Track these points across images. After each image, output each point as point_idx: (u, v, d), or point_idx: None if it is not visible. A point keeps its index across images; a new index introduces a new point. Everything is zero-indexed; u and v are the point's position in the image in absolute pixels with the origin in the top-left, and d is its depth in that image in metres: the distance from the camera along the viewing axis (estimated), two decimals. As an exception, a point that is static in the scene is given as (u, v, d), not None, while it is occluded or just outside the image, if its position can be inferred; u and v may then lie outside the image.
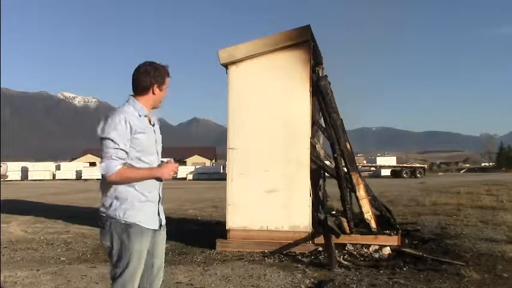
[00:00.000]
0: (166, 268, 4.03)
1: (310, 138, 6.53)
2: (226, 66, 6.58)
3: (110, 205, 2.48)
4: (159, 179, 2.55)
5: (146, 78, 2.52)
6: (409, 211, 10.77)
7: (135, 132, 2.43)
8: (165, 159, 2.58)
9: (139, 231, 2.47)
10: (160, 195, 2.60)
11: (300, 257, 5.89)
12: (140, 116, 2.51)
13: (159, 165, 2.55)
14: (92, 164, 51.84)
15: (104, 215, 2.50)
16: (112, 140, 2.38)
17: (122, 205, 2.46)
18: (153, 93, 2.55)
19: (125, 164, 2.42)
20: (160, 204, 2.61)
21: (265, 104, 6.54)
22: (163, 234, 2.67)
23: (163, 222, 2.64)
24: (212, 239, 6.60)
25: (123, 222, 2.45)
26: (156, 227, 2.56)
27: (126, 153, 2.42)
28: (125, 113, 2.46)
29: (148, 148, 2.51)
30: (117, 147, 2.38)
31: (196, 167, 46.36)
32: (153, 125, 2.60)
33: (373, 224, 6.46)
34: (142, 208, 2.50)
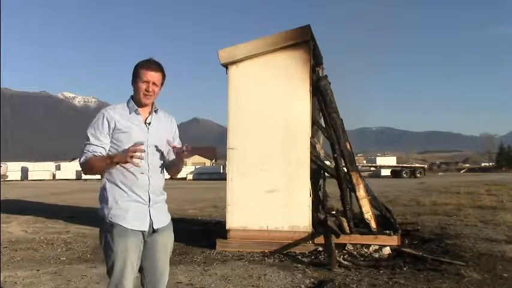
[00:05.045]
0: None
1: (310, 138, 6.53)
2: (226, 66, 6.57)
3: (100, 204, 2.52)
4: (146, 180, 2.48)
5: None
6: (409, 211, 10.78)
7: (114, 129, 2.47)
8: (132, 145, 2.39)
9: (122, 232, 2.42)
10: (151, 197, 2.50)
11: (300, 257, 5.89)
12: (131, 113, 2.51)
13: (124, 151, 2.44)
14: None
15: (99, 214, 2.52)
16: (88, 136, 2.48)
17: (107, 204, 2.47)
18: (133, 88, 2.55)
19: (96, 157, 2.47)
20: (154, 206, 2.51)
21: (265, 104, 6.54)
22: (164, 238, 2.56)
23: (161, 225, 2.53)
24: (212, 239, 6.60)
25: (107, 221, 2.45)
26: (144, 228, 2.47)
27: (101, 148, 2.47)
28: (108, 110, 2.53)
29: (130, 145, 2.43)
30: (89, 142, 2.47)
31: (196, 167, 46.35)
32: (149, 124, 2.54)
33: (373, 224, 6.46)
34: (126, 208, 2.44)
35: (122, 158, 2.38)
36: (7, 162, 45.39)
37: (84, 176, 41.43)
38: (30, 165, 45.87)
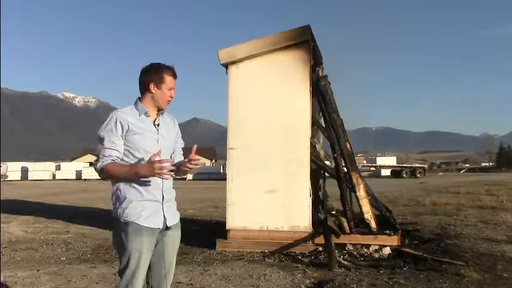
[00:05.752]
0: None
1: (310, 138, 6.53)
2: (226, 66, 6.57)
3: (113, 204, 2.54)
4: (159, 179, 2.50)
5: (144, 78, 2.57)
6: (409, 211, 10.77)
7: (127, 131, 2.47)
8: (154, 155, 2.42)
9: (137, 230, 2.45)
10: (165, 195, 2.55)
11: (300, 257, 5.89)
12: (140, 115, 2.54)
13: (140, 161, 2.47)
14: (92, 164, 51.80)
15: (112, 215, 2.55)
16: (102, 139, 2.47)
17: (122, 204, 2.49)
18: (151, 92, 2.56)
19: (114, 161, 2.46)
20: (166, 204, 2.56)
21: (265, 104, 6.54)
22: (172, 235, 2.61)
23: (173, 222, 2.59)
24: (212, 239, 6.60)
25: (122, 220, 2.48)
26: (159, 226, 2.52)
27: (116, 151, 2.47)
28: (118, 113, 2.52)
29: (144, 146, 2.49)
30: (105, 146, 2.46)
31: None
32: (158, 125, 2.58)
33: (373, 224, 6.46)
34: (141, 206, 2.48)
35: (149, 170, 2.37)
36: (7, 162, 45.42)
37: (84, 176, 41.52)
38: (30, 165, 45.92)
